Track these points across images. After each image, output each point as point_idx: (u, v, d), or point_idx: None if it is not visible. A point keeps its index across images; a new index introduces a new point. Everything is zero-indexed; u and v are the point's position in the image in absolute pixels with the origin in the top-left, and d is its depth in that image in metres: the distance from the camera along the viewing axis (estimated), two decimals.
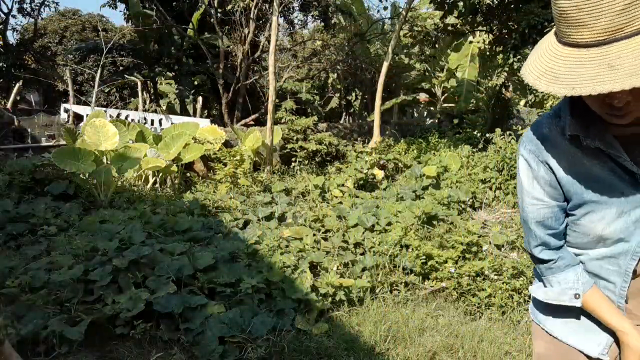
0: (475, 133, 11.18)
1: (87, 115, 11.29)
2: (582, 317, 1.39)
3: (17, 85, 14.72)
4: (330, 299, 3.84)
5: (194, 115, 15.69)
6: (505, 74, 12.59)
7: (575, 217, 1.31)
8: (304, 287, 3.85)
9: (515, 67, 9.45)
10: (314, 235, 5.15)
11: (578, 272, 1.35)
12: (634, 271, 1.26)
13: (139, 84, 14.95)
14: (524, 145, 1.34)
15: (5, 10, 14.14)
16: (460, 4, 10.84)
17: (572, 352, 1.39)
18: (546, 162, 1.29)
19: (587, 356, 1.37)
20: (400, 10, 15.10)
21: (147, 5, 13.87)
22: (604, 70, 0.96)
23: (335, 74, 19.19)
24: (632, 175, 1.19)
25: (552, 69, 1.05)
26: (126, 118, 11.56)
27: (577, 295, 1.32)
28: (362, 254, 4.76)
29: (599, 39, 0.97)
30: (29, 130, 10.92)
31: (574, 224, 1.33)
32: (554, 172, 1.29)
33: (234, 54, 15.03)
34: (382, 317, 3.64)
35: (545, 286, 1.43)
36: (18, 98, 16.75)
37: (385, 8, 29.08)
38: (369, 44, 17.09)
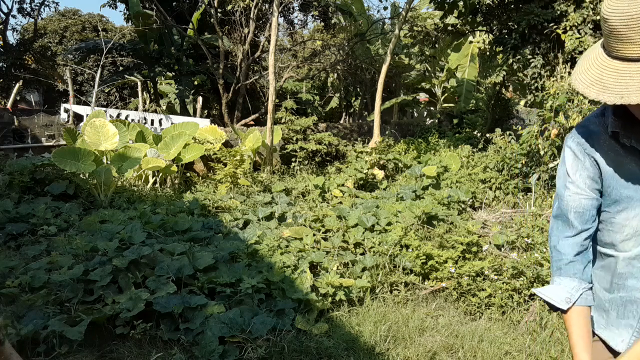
0: (475, 133, 11.19)
1: (87, 115, 11.28)
2: (609, 314, 1.45)
3: (17, 85, 14.70)
4: (330, 299, 3.84)
5: (194, 115, 15.65)
6: (504, 73, 12.60)
7: (610, 214, 1.39)
8: (304, 287, 3.85)
9: (515, 67, 9.45)
10: (314, 235, 5.15)
11: (582, 287, 1.41)
12: None
13: (139, 84, 14.94)
14: (573, 138, 1.43)
15: (5, 10, 14.14)
16: (460, 4, 10.84)
17: (599, 344, 1.48)
18: (592, 156, 1.38)
19: (611, 349, 1.46)
20: (400, 10, 15.10)
21: (147, 5, 13.86)
22: None
23: (335, 74, 19.17)
24: None
25: (602, 80, 1.17)
26: (126, 118, 11.55)
27: (569, 300, 1.39)
28: (362, 254, 4.76)
29: None
30: (29, 130, 10.91)
31: (609, 222, 1.40)
32: (598, 166, 1.38)
33: (234, 54, 15.01)
34: (382, 317, 3.64)
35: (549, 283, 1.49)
36: (18, 98, 16.74)
37: (385, 8, 29.11)
38: (369, 44, 17.08)
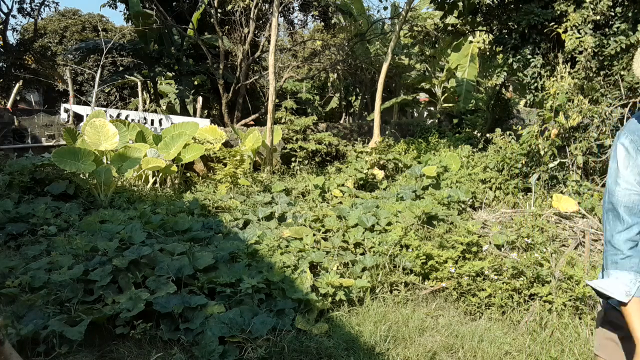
0: (475, 133, 11.18)
1: (87, 115, 11.28)
2: None
3: (17, 85, 14.71)
4: (330, 299, 3.84)
5: (194, 115, 15.66)
6: (505, 73, 12.59)
7: None
8: (304, 287, 3.85)
9: (515, 67, 9.45)
10: (314, 235, 5.15)
11: (638, 279, 1.49)
12: None
13: (139, 84, 14.95)
14: (626, 134, 1.48)
15: (5, 10, 14.16)
16: (460, 4, 10.84)
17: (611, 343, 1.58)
18: None
19: None
20: (400, 10, 15.10)
21: (147, 5, 13.86)
22: None
23: (335, 74, 19.18)
24: None
25: None
26: (126, 118, 11.55)
27: (628, 293, 1.46)
28: (362, 254, 4.76)
29: None
30: (29, 130, 10.91)
31: None
32: None
33: (234, 54, 15.02)
34: (382, 317, 3.64)
35: (602, 277, 1.57)
36: (18, 98, 16.75)
37: (385, 8, 29.11)
38: (369, 44, 17.08)
